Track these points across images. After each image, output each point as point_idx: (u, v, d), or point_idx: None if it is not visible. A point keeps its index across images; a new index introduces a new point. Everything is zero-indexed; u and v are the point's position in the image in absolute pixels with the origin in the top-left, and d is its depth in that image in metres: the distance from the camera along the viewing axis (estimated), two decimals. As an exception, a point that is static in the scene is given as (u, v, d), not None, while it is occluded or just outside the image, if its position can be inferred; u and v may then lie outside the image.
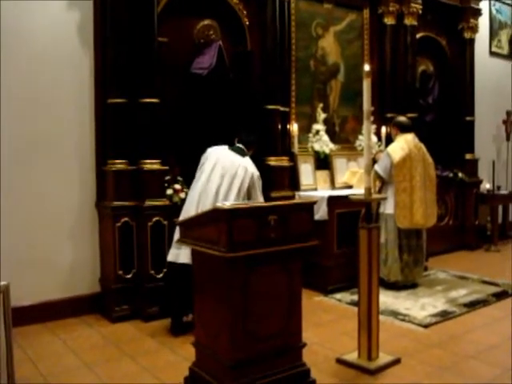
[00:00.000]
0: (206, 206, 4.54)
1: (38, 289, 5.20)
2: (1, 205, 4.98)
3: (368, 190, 4.15)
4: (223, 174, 4.79)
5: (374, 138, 7.48)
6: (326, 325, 5.18)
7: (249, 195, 4.88)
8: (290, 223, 3.50)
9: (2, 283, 2.76)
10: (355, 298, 4.30)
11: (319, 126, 7.12)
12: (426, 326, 5.06)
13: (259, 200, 4.93)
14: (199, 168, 4.97)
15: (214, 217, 3.33)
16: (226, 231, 3.20)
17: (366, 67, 4.18)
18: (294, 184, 6.69)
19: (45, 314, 5.18)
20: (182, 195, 5.54)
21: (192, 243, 3.60)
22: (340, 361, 4.23)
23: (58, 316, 5.25)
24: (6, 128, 5.02)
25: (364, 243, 4.13)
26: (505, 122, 10.05)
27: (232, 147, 5.03)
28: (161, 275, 5.35)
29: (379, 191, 6.26)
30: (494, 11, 10.03)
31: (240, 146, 5.06)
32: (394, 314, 5.42)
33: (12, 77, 5.06)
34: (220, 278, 3.37)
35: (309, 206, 3.75)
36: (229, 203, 3.64)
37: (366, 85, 4.14)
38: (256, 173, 4.95)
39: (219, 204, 3.50)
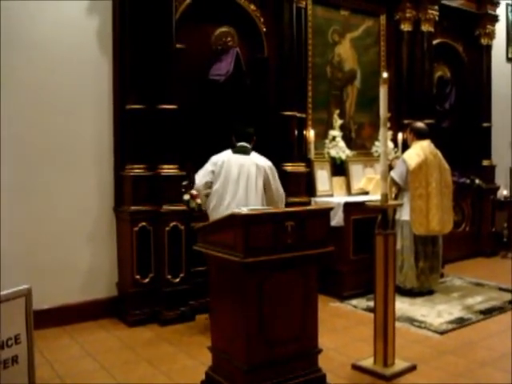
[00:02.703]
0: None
1: (56, 292, 5.26)
2: (21, 209, 5.05)
3: (384, 197, 4.16)
4: (237, 180, 4.83)
5: (391, 145, 7.48)
6: (342, 331, 5.19)
7: (269, 189, 4.94)
8: (307, 229, 3.52)
9: (25, 287, 2.80)
10: (371, 304, 4.30)
11: (335, 132, 7.13)
12: (442, 333, 5.06)
13: (279, 190, 5.02)
14: (208, 173, 4.95)
15: (231, 222, 3.37)
16: (242, 236, 3.23)
17: (384, 74, 4.21)
18: (310, 190, 6.70)
19: (63, 318, 5.24)
20: (199, 201, 5.57)
21: (209, 248, 3.63)
22: (356, 367, 4.24)
23: (75, 319, 5.30)
24: (26, 134, 5.10)
25: (380, 249, 4.14)
26: (522, 129, 10.00)
27: (235, 149, 5.02)
28: (178, 280, 5.40)
29: (395, 197, 6.26)
30: (510, 17, 9.98)
31: (242, 144, 5.04)
32: (410, 320, 5.41)
33: (31, 83, 5.14)
34: (236, 282, 3.40)
35: (325, 212, 3.77)
36: (246, 209, 3.65)
37: (383, 91, 4.16)
38: (268, 164, 4.99)
39: (236, 210, 3.52)
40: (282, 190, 5.09)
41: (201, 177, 4.98)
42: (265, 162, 4.99)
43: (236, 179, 4.84)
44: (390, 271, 4.15)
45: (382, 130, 4.23)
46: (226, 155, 4.97)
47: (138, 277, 5.35)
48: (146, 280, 5.40)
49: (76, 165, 5.41)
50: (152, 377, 4.12)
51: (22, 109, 5.08)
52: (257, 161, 4.95)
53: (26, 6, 5.08)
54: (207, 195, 4.97)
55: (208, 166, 4.98)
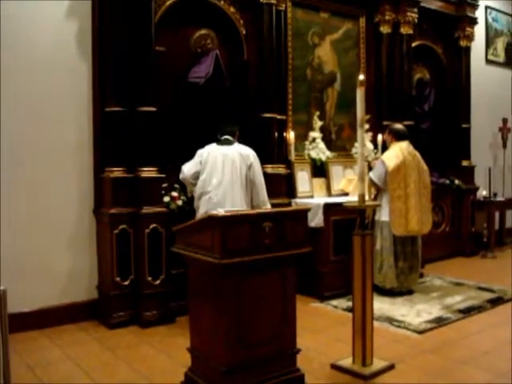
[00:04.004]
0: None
1: (36, 295, 5.23)
2: (0, 211, 5.02)
3: (362, 197, 4.19)
4: (222, 168, 5.09)
5: (371, 146, 7.54)
6: (322, 331, 5.21)
7: (254, 175, 5.21)
8: (285, 230, 3.55)
9: (-1, 288, 2.78)
10: (351, 304, 4.33)
11: (316, 134, 7.17)
12: (420, 332, 5.09)
13: (262, 184, 5.27)
14: (196, 164, 5.21)
15: (209, 223, 3.38)
16: (219, 238, 3.25)
17: (361, 76, 4.25)
18: (291, 191, 6.73)
19: (42, 321, 5.22)
20: (179, 202, 5.60)
21: (187, 250, 3.64)
22: (335, 366, 4.26)
23: (55, 322, 5.28)
24: (3, 135, 5.06)
25: (358, 250, 4.18)
26: (501, 130, 10.14)
27: (219, 142, 5.28)
28: (158, 282, 5.40)
29: (374, 198, 6.31)
30: (490, 19, 10.10)
31: (226, 137, 5.30)
32: (390, 320, 5.45)
33: (10, 85, 5.10)
34: (214, 284, 3.41)
35: (303, 213, 3.81)
36: (223, 210, 3.66)
37: (360, 93, 4.21)
38: (252, 152, 5.27)
39: (214, 211, 3.54)
40: (263, 183, 5.33)
41: (189, 167, 5.26)
42: (249, 151, 5.26)
43: (221, 167, 5.11)
44: (367, 271, 4.17)
45: (359, 132, 4.28)
46: (211, 147, 5.26)
47: (118, 279, 5.34)
48: (127, 282, 5.39)
49: (55, 167, 5.39)
50: (132, 379, 4.11)
51: (1, 111, 5.05)
52: (240, 150, 5.22)
53: (4, 6, 5.05)
54: (194, 185, 5.23)
55: (195, 158, 5.25)
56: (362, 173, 4.25)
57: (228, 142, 5.26)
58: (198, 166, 5.20)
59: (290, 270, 3.65)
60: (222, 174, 5.08)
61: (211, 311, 3.49)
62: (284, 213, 3.82)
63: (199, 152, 5.26)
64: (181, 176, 5.32)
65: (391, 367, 4.23)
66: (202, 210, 5.06)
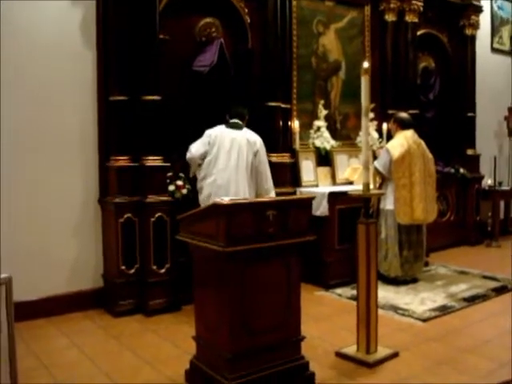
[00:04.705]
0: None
1: (42, 283, 5.26)
2: (5, 200, 5.04)
3: (366, 186, 4.20)
4: (229, 151, 5.17)
5: (375, 135, 7.53)
6: (326, 319, 5.23)
7: (259, 162, 5.32)
8: (289, 218, 3.56)
9: (4, 275, 2.80)
10: (356, 292, 4.34)
11: (320, 123, 7.15)
12: (425, 321, 5.11)
13: (267, 173, 5.39)
14: (205, 144, 5.25)
15: (213, 212, 3.39)
16: (224, 226, 3.26)
17: (365, 64, 4.24)
18: (296, 180, 6.73)
19: (48, 309, 5.25)
20: (184, 191, 5.61)
21: (191, 238, 3.65)
22: (339, 354, 4.28)
23: (61, 311, 5.31)
24: (8, 125, 5.06)
25: (362, 238, 4.18)
26: (506, 118, 10.08)
27: (228, 124, 5.34)
28: (163, 270, 5.43)
29: (379, 187, 6.30)
30: (495, 8, 10.03)
31: (235, 120, 5.36)
32: (394, 308, 5.46)
33: (14, 74, 5.11)
34: (219, 272, 3.42)
35: (307, 202, 3.82)
36: (228, 198, 3.67)
37: (365, 81, 4.20)
38: (258, 139, 5.36)
39: (218, 199, 3.54)
40: (268, 171, 5.45)
41: (197, 147, 5.29)
42: (256, 138, 5.34)
43: (228, 151, 5.18)
44: (372, 259, 4.18)
45: (363, 120, 4.28)
46: (220, 129, 5.31)
47: (123, 267, 5.37)
48: (132, 271, 5.41)
49: (60, 156, 5.40)
50: (137, 366, 4.14)
51: (4, 100, 5.05)
52: (248, 136, 5.30)
53: (10, -3, 5.05)
54: (200, 165, 5.28)
55: (204, 138, 5.28)
56: (366, 161, 4.26)
57: (237, 126, 5.31)
58: (206, 146, 5.23)
59: (294, 258, 3.65)
60: (229, 158, 5.14)
61: (216, 299, 3.51)
62: (288, 201, 3.83)
63: (208, 132, 5.29)
64: (188, 155, 5.33)
65: (395, 355, 4.25)
66: (206, 191, 5.14)
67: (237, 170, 5.14)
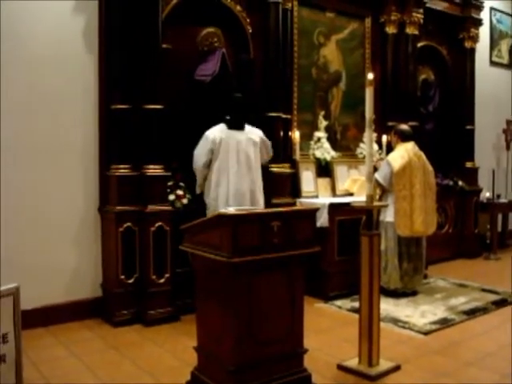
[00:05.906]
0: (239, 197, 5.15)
1: (41, 292, 5.21)
2: (5, 209, 5.01)
3: (370, 198, 4.18)
4: (237, 155, 5.22)
5: (375, 146, 7.53)
6: (327, 331, 5.21)
7: (262, 153, 5.45)
8: (293, 229, 3.54)
9: (13, 285, 2.77)
10: (355, 304, 4.32)
11: (321, 134, 7.16)
12: (425, 333, 5.09)
13: (270, 152, 5.64)
14: (207, 153, 5.21)
15: (218, 222, 3.37)
16: (229, 236, 3.24)
17: (370, 75, 4.22)
18: (296, 191, 6.72)
19: (47, 318, 5.21)
20: (185, 201, 5.60)
21: (195, 248, 3.63)
22: (341, 367, 4.25)
23: (59, 320, 5.27)
24: (8, 133, 5.04)
25: (365, 250, 4.16)
26: (505, 131, 10.12)
27: (229, 124, 5.31)
28: (162, 280, 5.39)
29: (380, 199, 6.29)
30: (494, 21, 10.10)
31: (235, 115, 5.36)
32: (395, 321, 5.44)
33: (15, 81, 5.09)
34: (223, 283, 3.40)
35: (311, 213, 3.80)
36: (233, 209, 3.66)
37: (369, 93, 4.18)
38: (260, 134, 5.43)
39: (223, 210, 3.53)
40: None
41: (200, 157, 5.25)
42: (258, 134, 5.44)
43: (236, 155, 5.21)
44: (374, 272, 4.17)
45: (367, 132, 4.25)
46: (222, 131, 5.25)
47: (122, 277, 5.33)
48: (131, 280, 5.38)
49: (61, 165, 5.38)
50: (137, 377, 4.10)
51: (6, 107, 5.03)
52: (252, 136, 5.33)
53: (11, 4, 5.03)
54: (205, 175, 5.28)
55: (206, 145, 5.21)
56: (369, 173, 4.23)
57: (239, 126, 5.31)
58: (209, 154, 5.19)
59: (299, 269, 3.63)
60: (238, 162, 5.18)
61: (219, 310, 3.48)
62: (293, 212, 3.83)
63: (209, 137, 5.21)
64: (194, 166, 5.33)
65: (397, 368, 4.22)
66: (223, 198, 5.15)
67: (248, 173, 5.22)
